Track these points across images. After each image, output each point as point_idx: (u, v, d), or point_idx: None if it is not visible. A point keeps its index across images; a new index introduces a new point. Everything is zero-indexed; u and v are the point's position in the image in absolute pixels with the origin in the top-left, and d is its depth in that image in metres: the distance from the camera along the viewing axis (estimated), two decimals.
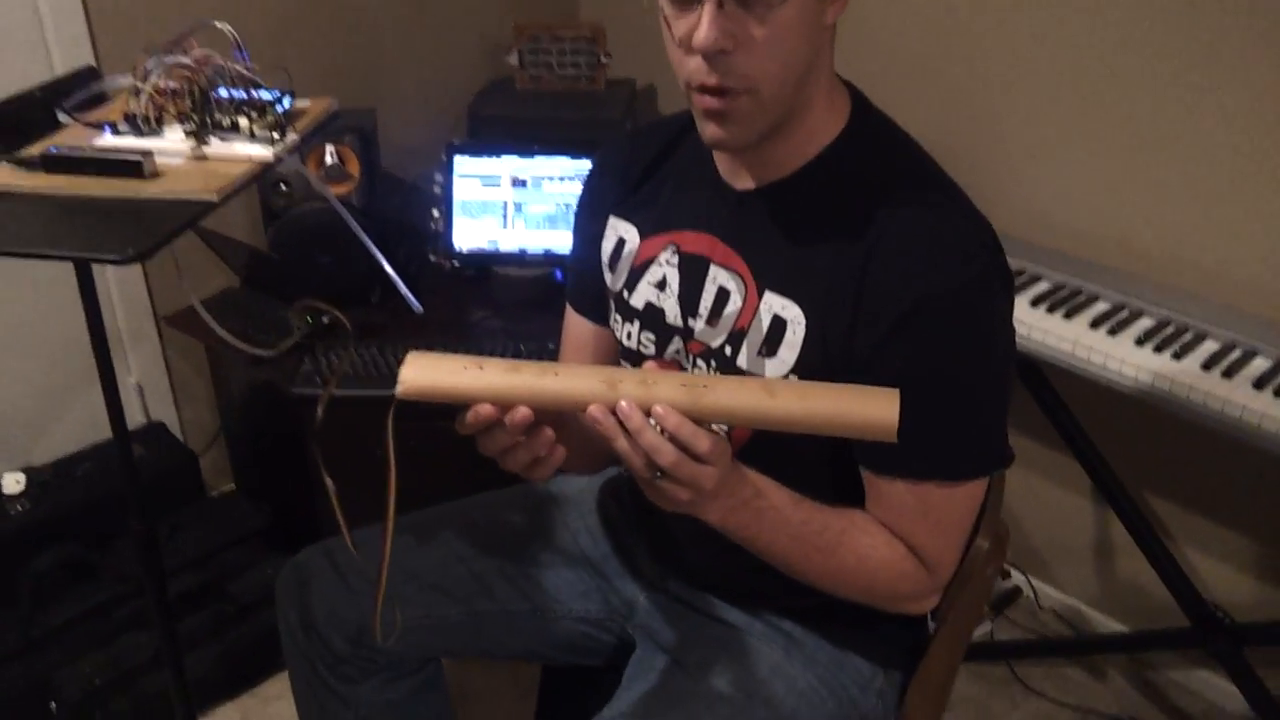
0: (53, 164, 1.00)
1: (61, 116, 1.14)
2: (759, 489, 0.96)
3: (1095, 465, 1.73)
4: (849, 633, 1.16)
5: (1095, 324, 1.58)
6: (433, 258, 2.09)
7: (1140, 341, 1.53)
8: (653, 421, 0.86)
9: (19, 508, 1.88)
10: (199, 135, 1.05)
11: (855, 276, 0.97)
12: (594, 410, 0.86)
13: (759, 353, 1.04)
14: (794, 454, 0.99)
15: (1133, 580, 1.98)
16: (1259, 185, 1.60)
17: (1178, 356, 1.48)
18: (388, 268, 1.07)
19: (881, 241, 0.96)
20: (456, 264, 2.09)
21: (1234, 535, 1.82)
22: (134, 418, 2.14)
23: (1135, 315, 1.60)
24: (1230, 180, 1.63)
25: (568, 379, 0.88)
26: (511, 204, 2.06)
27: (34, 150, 1.03)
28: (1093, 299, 1.65)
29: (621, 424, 0.86)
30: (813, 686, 1.12)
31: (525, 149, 2.04)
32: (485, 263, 2.13)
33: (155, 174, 1.00)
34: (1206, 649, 1.69)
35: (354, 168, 2.05)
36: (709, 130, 0.98)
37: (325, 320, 1.93)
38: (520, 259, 2.08)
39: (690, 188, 1.13)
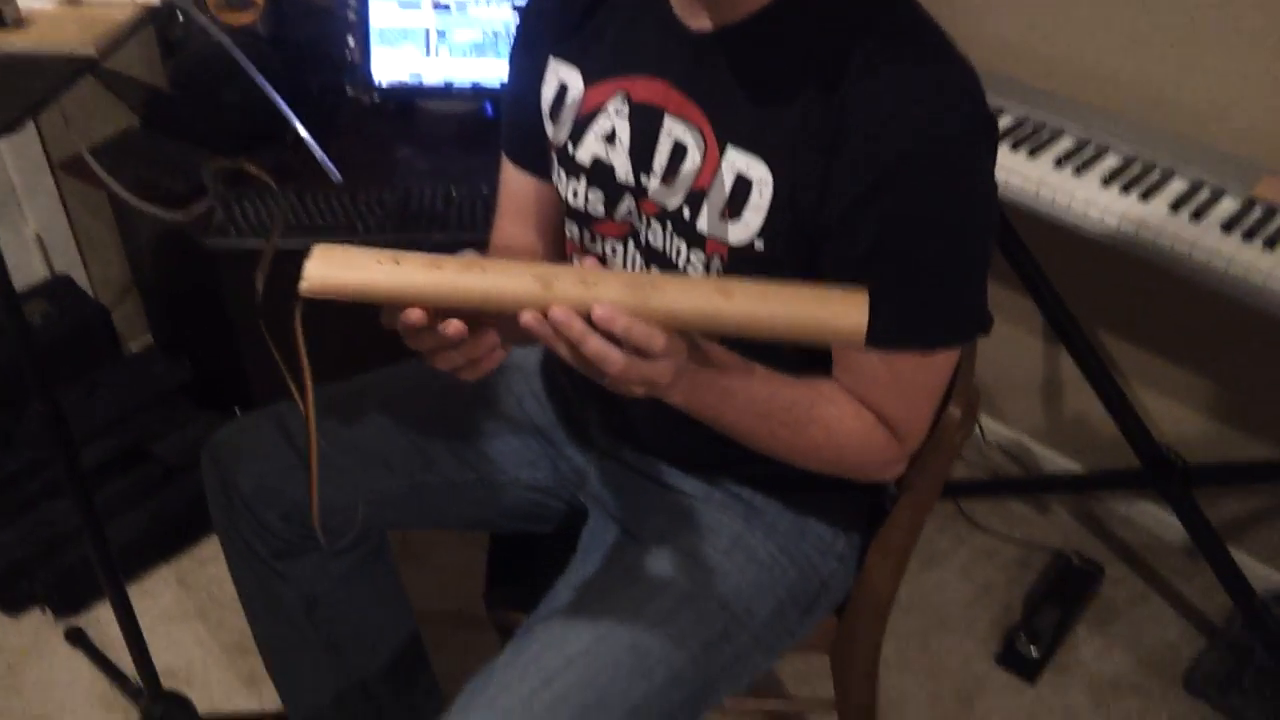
0: None
1: None
2: (722, 367, 0.89)
3: (1049, 302, 1.69)
4: (808, 497, 1.13)
5: (1059, 162, 1.50)
6: (350, 91, 1.93)
7: (1107, 181, 1.46)
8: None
9: None
10: None
11: (828, 131, 0.87)
12: (528, 318, 0.76)
13: (721, 215, 0.95)
14: None
15: (1081, 417, 1.99)
16: (1235, 14, 1.51)
17: (1145, 197, 1.42)
18: (300, 130, 0.94)
19: (858, 92, 0.86)
20: (376, 98, 1.93)
21: (1187, 375, 1.82)
22: (37, 271, 1.99)
23: (1101, 153, 1.52)
24: (1206, 7, 1.54)
25: (495, 276, 0.77)
26: (434, 30, 1.89)
27: None
28: (1057, 135, 1.56)
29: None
30: (773, 555, 1.09)
31: None
32: (408, 97, 1.97)
33: (19, 22, 0.85)
34: (1158, 490, 1.70)
35: None
36: None
37: (239, 166, 1.78)
38: (446, 92, 1.93)
39: (640, 26, 1.01)
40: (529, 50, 1.11)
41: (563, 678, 0.94)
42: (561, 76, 1.07)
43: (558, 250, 1.21)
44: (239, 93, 1.79)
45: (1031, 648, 1.72)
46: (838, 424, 0.96)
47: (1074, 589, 1.84)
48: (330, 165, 1.02)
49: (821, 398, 0.96)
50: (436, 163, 1.88)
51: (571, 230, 1.11)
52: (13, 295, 1.15)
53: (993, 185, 0.92)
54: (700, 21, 0.95)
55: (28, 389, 1.80)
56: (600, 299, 0.76)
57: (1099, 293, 1.83)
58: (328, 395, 1.23)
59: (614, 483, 1.19)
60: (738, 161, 0.93)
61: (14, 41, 0.83)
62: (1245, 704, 1.65)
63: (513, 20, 1.87)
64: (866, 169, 0.86)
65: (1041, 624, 1.76)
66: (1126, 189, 1.44)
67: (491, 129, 1.95)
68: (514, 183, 1.20)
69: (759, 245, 0.93)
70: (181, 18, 1.74)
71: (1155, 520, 1.98)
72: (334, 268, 0.77)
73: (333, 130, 1.94)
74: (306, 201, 1.69)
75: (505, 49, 1.88)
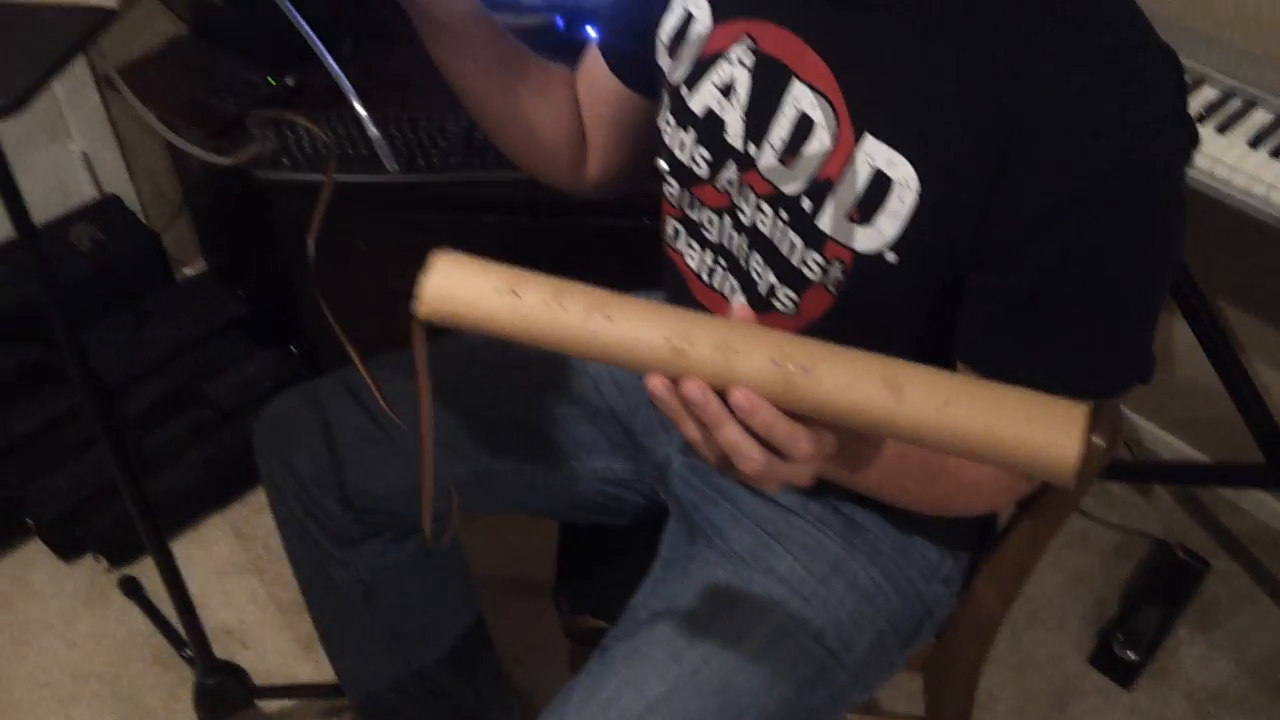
0: None
1: None
2: (858, 449, 0.74)
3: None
4: (915, 514, 1.00)
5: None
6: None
7: (1254, 144, 1.27)
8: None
9: None
10: None
11: (999, 136, 0.71)
12: (656, 386, 0.64)
13: (849, 215, 0.80)
14: (879, 333, 0.78)
15: (1194, 392, 1.83)
16: None
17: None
18: (359, 108, 0.81)
19: (1038, 91, 0.70)
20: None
21: None
22: (84, 191, 1.89)
23: (1249, 106, 1.33)
24: None
25: (623, 328, 0.64)
26: None
27: None
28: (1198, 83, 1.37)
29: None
30: (875, 582, 0.98)
31: None
32: None
33: None
34: (1275, 482, 1.56)
35: None
36: None
37: (290, 83, 1.65)
38: (514, 4, 1.76)
39: None
40: None
41: None
42: (689, 5, 0.91)
43: (615, 161, 1.10)
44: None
45: (1129, 651, 1.61)
46: (973, 472, 0.83)
47: (1176, 585, 1.71)
48: (386, 151, 0.89)
49: (962, 464, 0.82)
50: None
51: (670, 189, 0.98)
52: (33, 233, 1.05)
53: (1185, 208, 0.76)
54: None
55: (85, 319, 1.73)
56: (740, 378, 0.62)
57: (1221, 256, 1.65)
58: (386, 367, 1.13)
59: (697, 482, 1.08)
60: (877, 155, 0.77)
61: None
62: None
63: None
64: (1047, 190, 0.71)
65: (1140, 625, 1.64)
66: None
67: (564, 47, 1.79)
68: (598, 78, 1.06)
69: (890, 258, 0.79)
70: None
71: (1267, 510, 1.83)
72: (451, 292, 0.67)
73: (392, 41, 1.79)
74: (360, 127, 1.56)
75: None
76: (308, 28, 0.79)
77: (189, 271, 2.06)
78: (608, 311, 0.65)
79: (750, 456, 0.64)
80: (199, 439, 1.72)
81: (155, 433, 1.68)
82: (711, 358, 0.63)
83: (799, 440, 0.63)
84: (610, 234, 1.55)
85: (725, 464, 0.66)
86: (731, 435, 0.63)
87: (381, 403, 0.95)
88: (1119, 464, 1.94)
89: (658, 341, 0.64)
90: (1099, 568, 1.78)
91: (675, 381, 0.64)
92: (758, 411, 0.62)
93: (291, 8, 0.79)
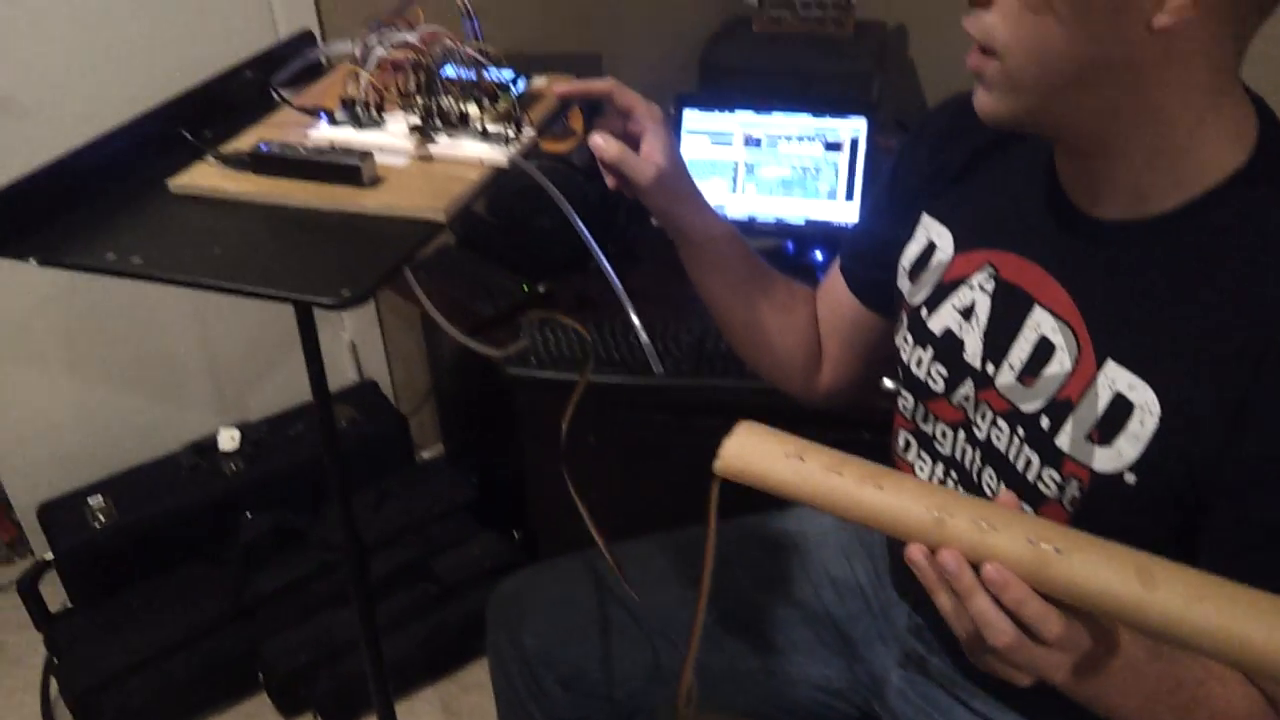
0: (263, 164, 0.87)
1: (274, 95, 1.02)
2: (1112, 644, 0.74)
3: None
4: None
5: None
6: (655, 221, 1.93)
7: None
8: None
9: (233, 467, 1.86)
10: (424, 131, 0.91)
11: (1243, 367, 0.72)
12: (914, 553, 0.68)
13: (1088, 436, 0.81)
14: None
15: None
16: None
17: None
18: (634, 319, 0.90)
19: None
20: None
21: None
22: (347, 375, 2.10)
23: None
24: None
25: (891, 496, 0.70)
26: (743, 165, 1.86)
27: (243, 144, 0.92)
28: None
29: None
30: None
31: (762, 104, 1.83)
32: None
33: (375, 180, 0.86)
34: None
35: (577, 123, 1.89)
36: (975, 96, 0.81)
37: (542, 290, 1.81)
38: (748, 227, 1.89)
39: (1021, 196, 0.90)
40: (900, 196, 1.03)
41: None
42: (932, 235, 0.98)
43: (846, 374, 1.15)
44: (550, 221, 1.83)
45: None
46: (1225, 705, 0.79)
47: None
48: (653, 353, 0.98)
49: (1211, 675, 0.79)
50: None
51: (905, 402, 1.01)
52: (328, 403, 1.18)
53: None
54: (1098, 207, 0.82)
55: (325, 492, 1.89)
56: (995, 552, 0.65)
57: None
58: (618, 552, 1.18)
59: (916, 699, 1.05)
60: (1119, 379, 0.79)
61: (367, 203, 0.84)
62: None
63: (823, 158, 1.81)
64: None
65: None
66: None
67: (792, 269, 1.90)
68: (838, 294, 1.12)
69: (1129, 479, 0.79)
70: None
71: None
72: (747, 453, 0.76)
73: (633, 259, 1.94)
74: (605, 333, 1.68)
75: (813, 186, 1.83)
76: (595, 244, 0.90)
77: (427, 454, 2.22)
78: (880, 482, 0.70)
79: (1001, 629, 0.65)
80: (421, 612, 1.81)
81: (384, 603, 1.78)
82: (969, 530, 0.66)
83: (1049, 621, 0.64)
84: (835, 445, 1.58)
85: (975, 640, 0.68)
86: (983, 606, 0.65)
87: (618, 572, 1.00)
88: None
89: (921, 510, 0.68)
90: None
91: (933, 551, 0.67)
92: (1010, 586, 0.64)
93: (584, 229, 0.90)
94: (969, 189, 0.95)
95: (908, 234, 1.01)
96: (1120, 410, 0.79)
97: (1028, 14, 0.73)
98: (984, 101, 0.80)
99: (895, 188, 1.04)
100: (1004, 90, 0.77)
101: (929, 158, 0.99)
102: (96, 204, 0.87)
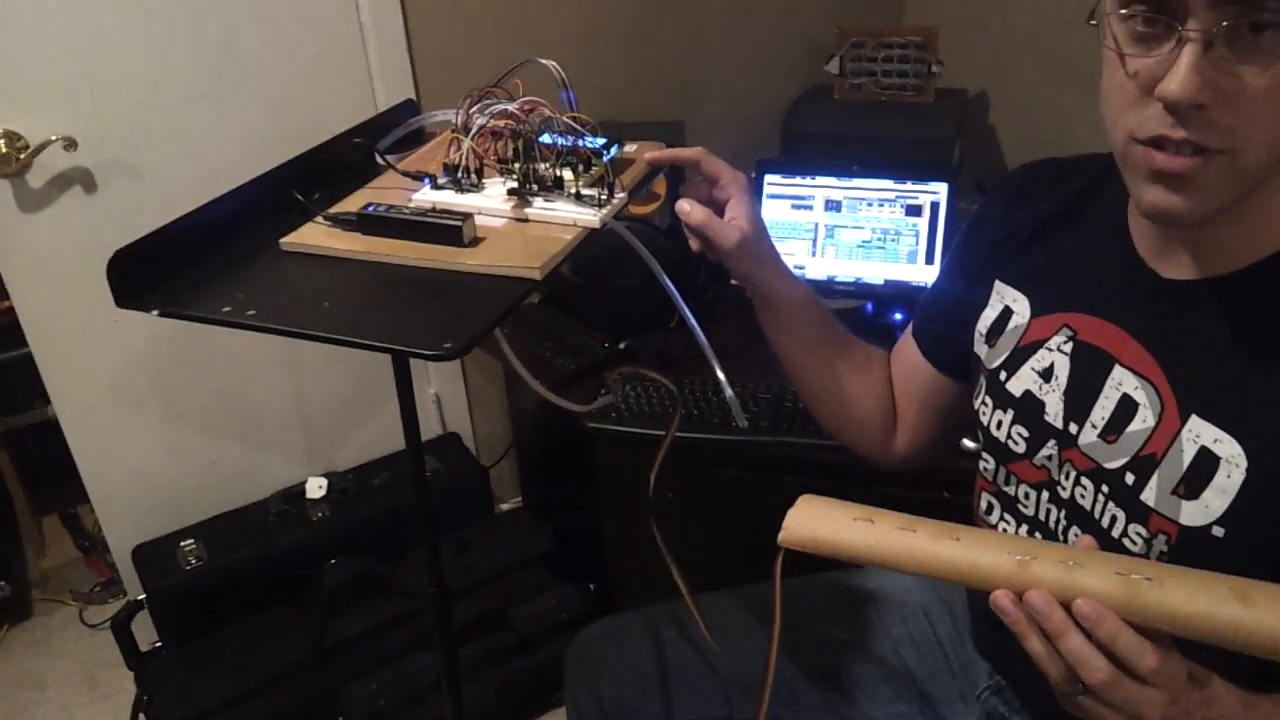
0: (370, 224, 0.93)
1: (379, 159, 1.08)
2: (1208, 696, 0.73)
3: None
4: None
5: None
6: (734, 282, 1.95)
7: None
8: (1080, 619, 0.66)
9: (320, 514, 1.92)
10: (521, 194, 0.96)
11: None
12: (1000, 598, 0.68)
13: (1174, 490, 0.82)
14: None
15: None
16: None
17: None
18: (720, 373, 0.93)
19: None
20: None
21: None
22: (431, 428, 2.15)
23: None
24: None
25: (970, 547, 0.71)
26: (823, 228, 1.89)
27: (350, 205, 0.97)
28: None
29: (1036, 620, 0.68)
30: None
31: (842, 169, 1.86)
32: None
33: (474, 240, 0.90)
34: None
35: (660, 186, 1.95)
36: (1152, 195, 0.75)
37: (622, 347, 1.85)
38: (827, 288, 1.91)
39: (1097, 262, 0.91)
40: (973, 263, 1.04)
41: None
42: (1007, 300, 0.99)
43: (921, 437, 1.15)
44: (632, 280, 1.88)
45: None
46: None
47: None
48: (737, 406, 1.00)
49: None
50: None
51: (987, 464, 1.02)
52: (420, 455, 1.23)
53: None
54: (1173, 269, 0.84)
55: (408, 540, 1.94)
56: (1085, 588, 0.66)
57: None
58: (696, 606, 1.19)
59: None
60: (1203, 434, 0.80)
61: (468, 260, 0.88)
62: None
63: (903, 222, 1.83)
64: None
65: None
66: None
67: (871, 329, 1.91)
68: (911, 360, 1.13)
69: (1217, 532, 0.79)
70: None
71: None
72: (811, 522, 0.78)
73: (712, 319, 1.97)
74: (684, 390, 1.71)
75: (893, 249, 1.84)
76: (681, 301, 0.93)
77: (506, 506, 2.26)
78: (956, 534, 0.72)
79: (1095, 666, 0.65)
80: (497, 661, 1.83)
81: (461, 650, 1.81)
82: (1055, 570, 0.67)
83: (1145, 654, 0.64)
84: (910, 504, 1.58)
85: (1069, 680, 0.68)
86: (1076, 644, 0.65)
87: (702, 624, 1.01)
88: None
89: (1003, 557, 0.69)
90: None
91: (1020, 596, 0.67)
92: (1104, 620, 0.64)
93: (671, 287, 0.93)
94: (1041, 254, 0.96)
95: (982, 298, 1.02)
96: (1206, 464, 0.79)
97: (1274, 100, 0.69)
98: (1187, 203, 0.74)
99: (967, 253, 1.05)
100: (1226, 186, 0.73)
101: (1000, 223, 1.01)
102: (213, 261, 0.93)
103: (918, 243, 1.83)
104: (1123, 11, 0.72)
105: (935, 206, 1.82)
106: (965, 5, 2.26)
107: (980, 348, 1.03)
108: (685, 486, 1.70)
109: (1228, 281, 0.80)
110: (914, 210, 1.83)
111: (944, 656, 1.14)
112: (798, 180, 1.88)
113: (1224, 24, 0.66)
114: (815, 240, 1.89)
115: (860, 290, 1.88)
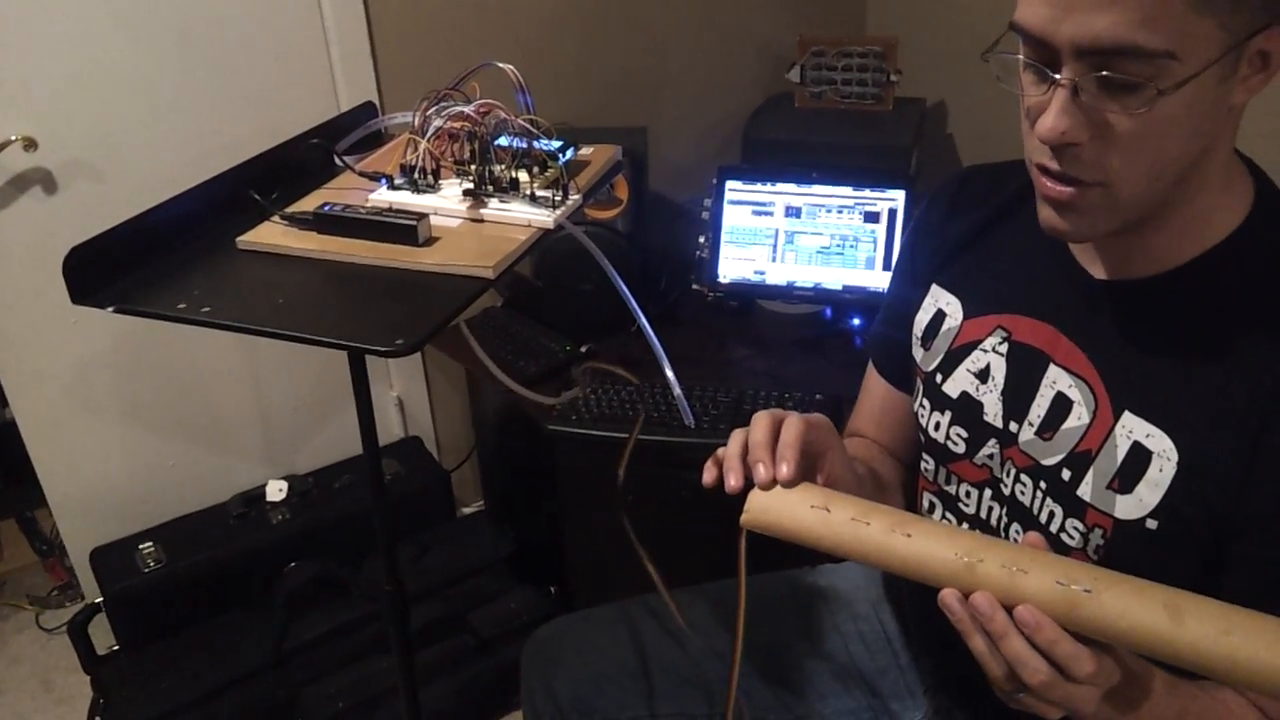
0: (326, 223, 0.94)
1: (337, 160, 1.09)
2: (1134, 677, 0.76)
3: None
4: None
5: None
6: (695, 286, 1.98)
7: None
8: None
9: (280, 516, 1.91)
10: (476, 195, 0.97)
11: (1257, 409, 0.76)
12: (947, 597, 0.71)
13: (1108, 485, 0.84)
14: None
15: None
16: None
17: None
18: (668, 372, 0.94)
19: None
20: (720, 294, 1.97)
21: None
22: (393, 431, 2.15)
23: None
24: None
25: (920, 543, 0.73)
26: (783, 234, 1.91)
27: (306, 205, 0.98)
28: None
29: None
30: None
31: (803, 176, 1.89)
32: (749, 295, 2.00)
33: (429, 239, 0.92)
34: None
35: (622, 191, 1.96)
36: (1044, 214, 0.81)
37: (584, 350, 1.87)
38: (786, 293, 1.93)
39: (1031, 264, 0.94)
40: (913, 268, 1.07)
41: None
42: (941, 304, 1.02)
43: (903, 463, 1.16)
44: (593, 284, 1.89)
45: None
46: None
47: None
48: (686, 406, 1.02)
49: (1230, 715, 0.81)
50: (772, 365, 1.87)
51: (927, 465, 1.04)
52: (377, 456, 1.23)
53: None
54: (1106, 270, 0.87)
55: (368, 544, 1.94)
56: (1026, 595, 0.68)
57: None
58: (645, 607, 1.21)
59: None
60: (1135, 429, 0.83)
61: (424, 259, 0.89)
62: None
63: (862, 228, 1.86)
64: None
65: None
66: None
67: (830, 334, 1.95)
68: (874, 387, 1.15)
69: (1151, 524, 0.82)
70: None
71: None
72: (773, 506, 0.80)
73: (673, 322, 1.99)
74: (644, 394, 1.73)
75: (852, 256, 1.87)
76: (633, 301, 0.94)
77: (467, 510, 2.26)
78: (908, 529, 0.74)
79: (1035, 668, 0.68)
80: (457, 664, 1.84)
81: (421, 654, 1.81)
82: (1000, 574, 0.69)
83: (1082, 660, 0.67)
84: None
85: (1010, 680, 0.70)
86: (1017, 647, 0.68)
87: (675, 613, 1.02)
88: None
89: (950, 556, 0.71)
90: None
91: (966, 596, 0.70)
92: (1042, 627, 0.67)
93: (624, 287, 0.94)
94: (976, 257, 0.99)
95: (919, 301, 1.04)
96: (1139, 459, 0.82)
97: (1145, 138, 0.73)
98: (1069, 225, 0.79)
99: (909, 258, 1.08)
100: (1104, 213, 0.78)
101: (940, 227, 1.03)
102: (170, 259, 0.93)
103: (876, 249, 1.86)
104: (1019, 55, 0.77)
105: (893, 213, 1.85)
106: (925, 17, 2.30)
107: (917, 351, 1.05)
108: (644, 489, 1.71)
109: (1157, 282, 0.83)
110: (872, 217, 1.86)
111: (892, 651, 1.16)
112: (759, 186, 1.91)
113: (1088, 74, 0.71)
114: (775, 246, 1.91)
115: (819, 295, 1.91)
